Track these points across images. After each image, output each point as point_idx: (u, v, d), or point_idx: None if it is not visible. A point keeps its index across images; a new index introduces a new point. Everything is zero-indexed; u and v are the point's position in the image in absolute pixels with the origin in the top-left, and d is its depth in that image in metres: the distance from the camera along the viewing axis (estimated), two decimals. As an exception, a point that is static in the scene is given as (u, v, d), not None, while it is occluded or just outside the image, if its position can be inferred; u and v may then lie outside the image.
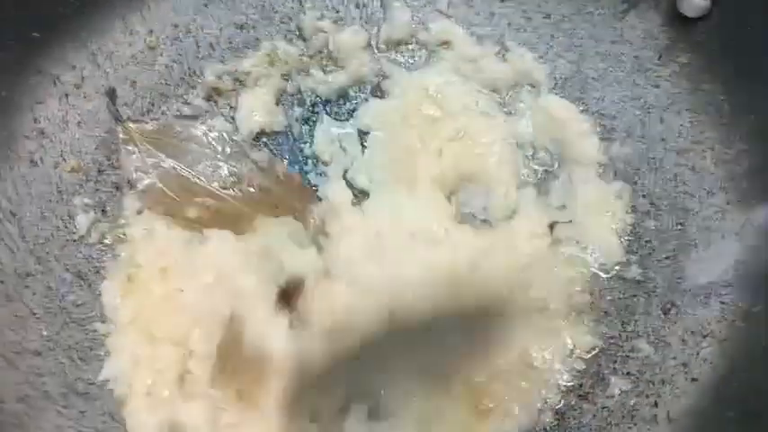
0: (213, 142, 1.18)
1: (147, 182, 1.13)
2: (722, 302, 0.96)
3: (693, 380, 0.92)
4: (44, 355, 0.99)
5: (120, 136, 1.15)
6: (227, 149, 1.18)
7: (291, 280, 1.04)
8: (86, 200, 1.14)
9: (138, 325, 1.04)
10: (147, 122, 1.18)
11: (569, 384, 0.98)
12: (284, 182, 1.16)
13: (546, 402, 0.97)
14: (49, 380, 0.97)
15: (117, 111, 1.17)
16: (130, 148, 1.15)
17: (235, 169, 1.16)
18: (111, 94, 1.16)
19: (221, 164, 1.16)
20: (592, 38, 1.22)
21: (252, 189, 1.15)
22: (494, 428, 0.96)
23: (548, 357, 1.00)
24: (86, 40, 1.20)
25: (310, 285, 1.03)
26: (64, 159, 1.15)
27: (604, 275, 1.06)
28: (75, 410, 0.95)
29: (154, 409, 0.97)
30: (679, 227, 1.05)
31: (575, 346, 1.00)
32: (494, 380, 0.99)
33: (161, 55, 1.26)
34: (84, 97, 1.19)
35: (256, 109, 1.23)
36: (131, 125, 1.16)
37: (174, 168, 1.14)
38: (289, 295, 1.02)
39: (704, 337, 0.94)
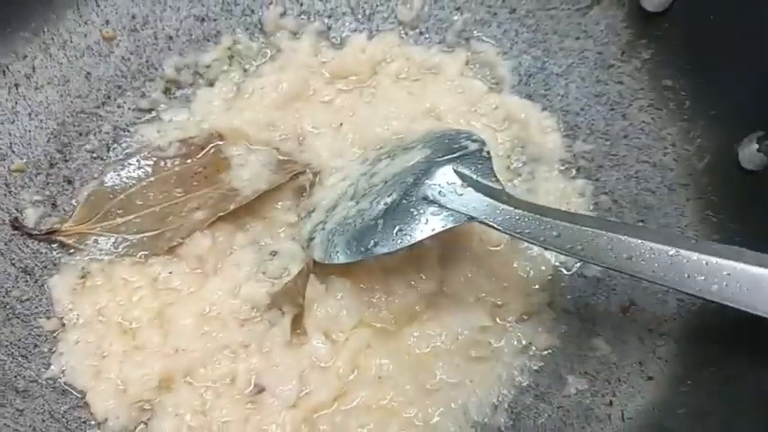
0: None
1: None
2: (679, 300, 0.94)
3: (649, 378, 0.90)
4: (-18, 352, 0.95)
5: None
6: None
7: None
8: (36, 195, 1.11)
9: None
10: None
11: (525, 383, 0.96)
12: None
13: (500, 400, 0.94)
14: (-14, 377, 0.93)
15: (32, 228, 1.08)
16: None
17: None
18: (15, 223, 1.07)
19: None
20: (556, 33, 1.21)
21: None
22: (441, 412, 0.94)
23: (494, 348, 0.98)
24: (38, 30, 1.17)
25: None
26: (13, 151, 1.12)
27: (566, 272, 1.04)
28: (12, 409, 0.91)
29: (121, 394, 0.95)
30: (640, 224, 1.04)
31: (531, 344, 0.98)
32: (437, 357, 0.98)
33: (117, 46, 1.23)
34: (36, 88, 1.16)
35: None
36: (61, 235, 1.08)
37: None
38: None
39: (661, 335, 0.92)
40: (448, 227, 0.90)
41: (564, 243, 0.84)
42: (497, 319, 1.00)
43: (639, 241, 0.79)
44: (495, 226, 0.88)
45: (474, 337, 0.99)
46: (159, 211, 1.10)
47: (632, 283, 0.99)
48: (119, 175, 1.13)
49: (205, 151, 1.15)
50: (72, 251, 1.07)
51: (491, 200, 0.90)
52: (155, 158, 1.14)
